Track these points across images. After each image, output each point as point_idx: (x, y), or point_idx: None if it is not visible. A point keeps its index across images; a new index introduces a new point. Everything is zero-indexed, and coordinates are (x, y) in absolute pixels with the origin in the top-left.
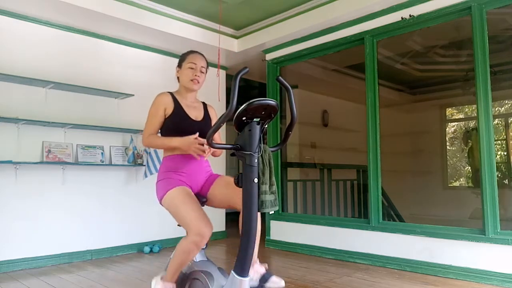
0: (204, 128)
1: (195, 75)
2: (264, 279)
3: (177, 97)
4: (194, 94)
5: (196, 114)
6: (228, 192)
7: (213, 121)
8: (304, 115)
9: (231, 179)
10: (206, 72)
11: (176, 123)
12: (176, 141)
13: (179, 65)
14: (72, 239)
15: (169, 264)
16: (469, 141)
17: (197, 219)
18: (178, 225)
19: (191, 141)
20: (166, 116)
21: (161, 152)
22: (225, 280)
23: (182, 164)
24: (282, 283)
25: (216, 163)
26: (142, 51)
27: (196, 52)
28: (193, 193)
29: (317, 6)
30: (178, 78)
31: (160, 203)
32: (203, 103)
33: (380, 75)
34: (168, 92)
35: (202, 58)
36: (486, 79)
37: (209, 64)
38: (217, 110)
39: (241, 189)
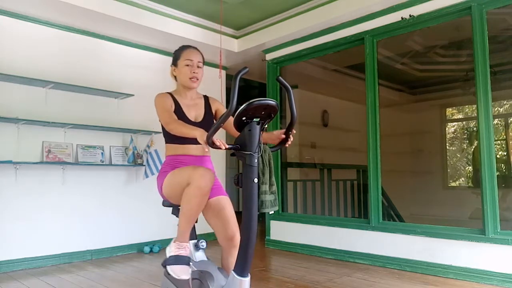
0: (205, 128)
1: (193, 72)
2: None
3: (177, 97)
4: (194, 91)
5: (196, 114)
6: (218, 221)
7: (219, 109)
8: (304, 115)
9: (230, 210)
10: (203, 66)
11: None
12: (198, 133)
13: (175, 64)
14: (72, 239)
15: (179, 223)
16: (475, 141)
17: (195, 168)
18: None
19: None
20: None
21: (161, 152)
22: (225, 280)
23: (184, 164)
24: None
25: (216, 163)
26: (142, 51)
27: (190, 46)
28: None
29: (317, 6)
30: (175, 77)
31: (161, 193)
32: (205, 97)
33: (380, 75)
34: (167, 92)
35: (197, 53)
36: (486, 79)
37: (210, 65)
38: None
39: (230, 228)
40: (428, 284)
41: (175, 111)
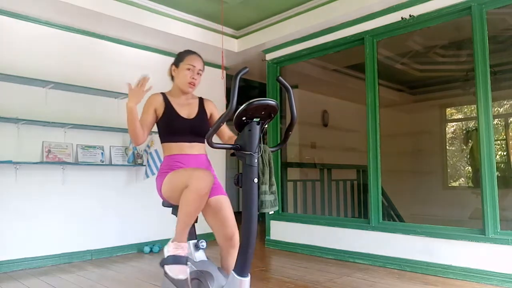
0: (197, 124)
1: (193, 77)
2: None
3: (169, 97)
4: (189, 94)
5: (189, 112)
6: (217, 221)
7: (214, 113)
8: (304, 115)
9: (228, 209)
10: (202, 74)
11: (167, 123)
12: (128, 105)
13: (176, 64)
14: (72, 239)
15: (176, 223)
16: (469, 141)
17: (194, 170)
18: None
19: (131, 89)
20: (158, 118)
21: (161, 152)
22: (225, 280)
23: (182, 163)
24: None
25: (216, 163)
26: (142, 51)
27: (195, 53)
28: None
29: (317, 6)
30: (172, 76)
31: (160, 194)
32: (200, 98)
33: (380, 75)
34: (161, 93)
35: (200, 60)
36: (486, 79)
37: (210, 65)
38: (219, 111)
39: (229, 228)
40: (428, 284)
41: (165, 111)
